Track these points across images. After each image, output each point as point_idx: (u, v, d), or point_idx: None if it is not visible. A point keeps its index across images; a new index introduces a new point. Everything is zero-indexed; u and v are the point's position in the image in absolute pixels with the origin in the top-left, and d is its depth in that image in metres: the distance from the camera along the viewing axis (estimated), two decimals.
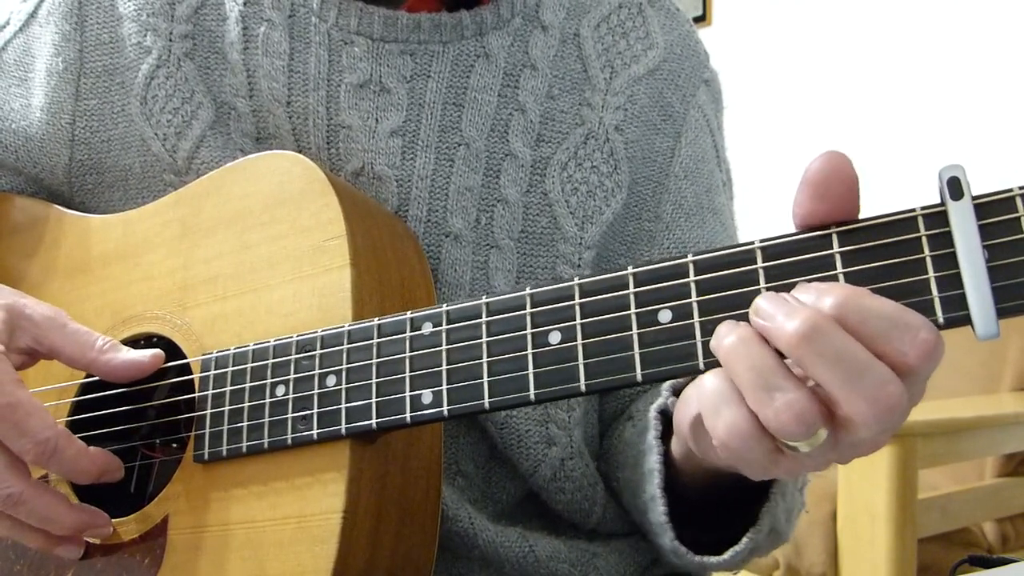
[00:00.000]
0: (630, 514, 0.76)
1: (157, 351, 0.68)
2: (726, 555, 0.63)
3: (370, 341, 0.60)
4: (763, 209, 1.60)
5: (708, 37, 0.88)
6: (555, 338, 0.53)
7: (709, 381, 0.48)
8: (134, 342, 0.72)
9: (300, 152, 0.75)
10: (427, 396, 0.57)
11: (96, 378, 0.71)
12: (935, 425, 1.72)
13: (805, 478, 0.69)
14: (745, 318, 0.47)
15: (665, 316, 0.50)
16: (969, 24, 2.62)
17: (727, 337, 0.47)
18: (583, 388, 0.52)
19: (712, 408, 0.48)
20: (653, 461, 0.64)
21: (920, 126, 2.66)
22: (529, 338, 0.54)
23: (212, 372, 0.66)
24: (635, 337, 0.51)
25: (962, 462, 2.12)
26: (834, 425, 0.46)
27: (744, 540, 0.62)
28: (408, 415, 0.58)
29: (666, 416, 0.65)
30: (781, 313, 0.45)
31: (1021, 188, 0.44)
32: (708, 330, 0.48)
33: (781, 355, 0.46)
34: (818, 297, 0.45)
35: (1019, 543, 2.06)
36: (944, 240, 0.45)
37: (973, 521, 2.01)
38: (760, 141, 2.82)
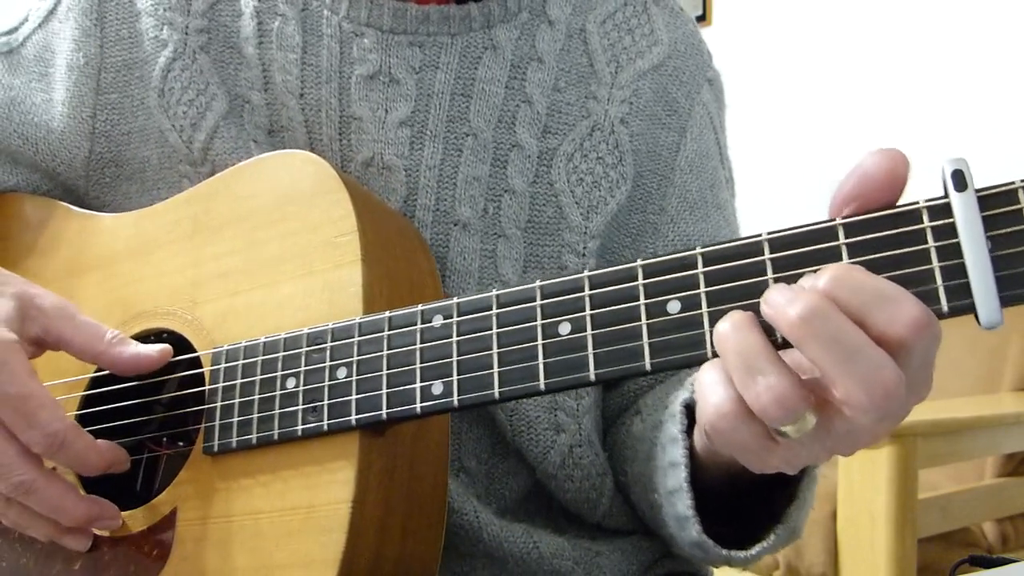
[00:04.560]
0: (637, 508, 0.77)
1: (165, 346, 0.68)
2: (753, 550, 0.63)
3: (381, 333, 0.60)
4: (764, 209, 1.61)
5: (708, 37, 0.89)
6: (565, 329, 0.54)
7: (705, 370, 0.50)
8: (144, 338, 0.72)
9: (312, 144, 0.76)
10: (437, 387, 0.58)
11: (106, 372, 0.71)
12: (935, 425, 1.71)
13: (815, 476, 0.70)
14: (753, 308, 0.48)
15: (674, 306, 0.51)
16: (969, 20, 2.63)
17: (721, 324, 0.48)
18: (592, 377, 0.53)
19: (702, 393, 0.49)
20: (678, 454, 0.64)
21: (921, 122, 2.66)
22: (539, 329, 0.55)
23: (223, 365, 0.66)
24: (644, 327, 0.52)
25: (962, 462, 2.12)
26: (830, 410, 0.47)
27: (772, 537, 0.63)
28: (418, 406, 0.58)
29: (690, 410, 0.65)
30: (784, 299, 0.46)
31: (1023, 181, 0.45)
32: (716, 320, 0.49)
33: (783, 345, 0.47)
34: (816, 279, 0.46)
35: (1019, 543, 2.06)
36: (948, 231, 0.46)
37: (973, 521, 2.01)
38: (760, 141, 2.83)
